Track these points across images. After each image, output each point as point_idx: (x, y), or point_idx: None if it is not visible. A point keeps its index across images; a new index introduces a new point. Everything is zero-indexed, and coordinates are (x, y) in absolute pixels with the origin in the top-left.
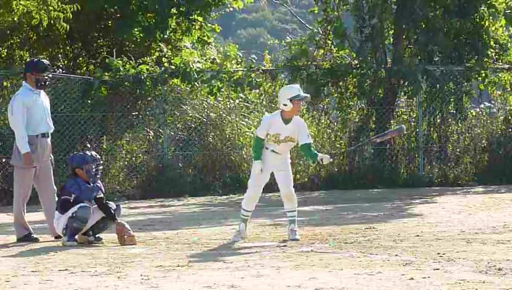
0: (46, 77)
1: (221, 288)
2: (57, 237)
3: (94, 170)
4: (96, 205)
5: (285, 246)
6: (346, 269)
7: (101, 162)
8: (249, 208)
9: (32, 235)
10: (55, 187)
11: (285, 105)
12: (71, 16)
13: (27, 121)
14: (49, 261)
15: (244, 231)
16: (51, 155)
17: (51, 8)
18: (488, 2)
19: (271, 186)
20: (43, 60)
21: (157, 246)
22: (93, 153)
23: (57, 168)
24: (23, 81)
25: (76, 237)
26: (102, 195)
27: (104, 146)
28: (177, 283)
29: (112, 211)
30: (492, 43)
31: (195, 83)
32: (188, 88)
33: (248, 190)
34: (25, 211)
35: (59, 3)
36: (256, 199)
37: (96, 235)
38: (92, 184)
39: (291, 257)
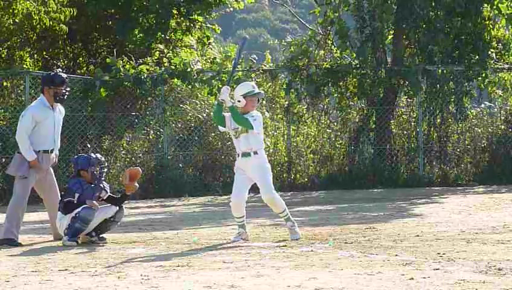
0: (64, 91)
1: (221, 288)
2: (58, 239)
3: (99, 172)
4: (101, 206)
5: (285, 246)
6: (346, 269)
7: (106, 164)
8: (238, 214)
9: (16, 241)
10: (59, 194)
11: (239, 102)
12: (69, 19)
13: (32, 136)
14: (49, 261)
15: (244, 232)
16: (55, 159)
17: (50, 9)
18: (492, 1)
19: (273, 185)
20: (60, 74)
21: (157, 246)
22: (98, 155)
23: (56, 168)
24: (41, 94)
25: (78, 236)
26: (107, 195)
27: (105, 146)
28: (177, 283)
29: (118, 198)
30: (494, 43)
31: (196, 84)
32: (188, 88)
33: (231, 197)
34: (22, 219)
35: (58, 6)
36: (239, 204)
37: (100, 236)
38: (94, 185)
39: (291, 257)
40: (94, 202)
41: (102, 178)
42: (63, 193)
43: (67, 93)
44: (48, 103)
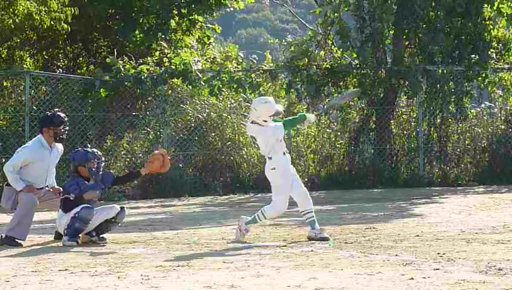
0: (63, 130)
1: (221, 288)
2: (58, 237)
3: (96, 166)
4: (103, 207)
5: (285, 246)
6: (346, 269)
7: (103, 158)
8: (272, 218)
9: (18, 242)
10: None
11: (265, 121)
12: (71, 19)
13: (23, 173)
14: (49, 261)
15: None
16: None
17: (51, 9)
18: (493, 1)
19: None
20: (59, 114)
21: (157, 246)
22: (94, 149)
23: (57, 169)
24: (39, 134)
25: (79, 236)
26: (109, 186)
27: (105, 146)
28: (177, 283)
29: (131, 173)
30: (494, 43)
31: (200, 82)
32: (189, 88)
33: (279, 205)
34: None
35: (59, 5)
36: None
37: (101, 236)
38: (93, 181)
39: (291, 257)
40: (96, 192)
41: (100, 172)
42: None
43: (66, 132)
44: (46, 144)
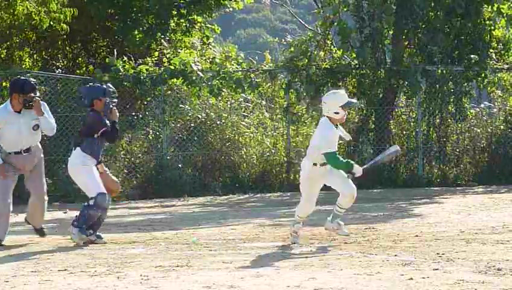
0: (33, 97)
1: (221, 288)
2: (39, 229)
3: (110, 102)
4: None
5: (284, 246)
6: (346, 269)
7: (117, 95)
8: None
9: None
10: (46, 186)
11: (336, 113)
12: (70, 19)
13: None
14: (48, 261)
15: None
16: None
17: (50, 9)
18: (492, 2)
19: (273, 185)
20: (30, 80)
21: (157, 246)
22: (110, 84)
23: (57, 169)
24: (8, 100)
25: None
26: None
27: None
28: (177, 283)
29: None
30: (494, 43)
31: (202, 82)
32: (188, 88)
33: (348, 187)
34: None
35: (59, 6)
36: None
37: (98, 234)
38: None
39: (291, 257)
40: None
41: (113, 108)
42: (80, 129)
43: (36, 98)
44: (12, 109)
